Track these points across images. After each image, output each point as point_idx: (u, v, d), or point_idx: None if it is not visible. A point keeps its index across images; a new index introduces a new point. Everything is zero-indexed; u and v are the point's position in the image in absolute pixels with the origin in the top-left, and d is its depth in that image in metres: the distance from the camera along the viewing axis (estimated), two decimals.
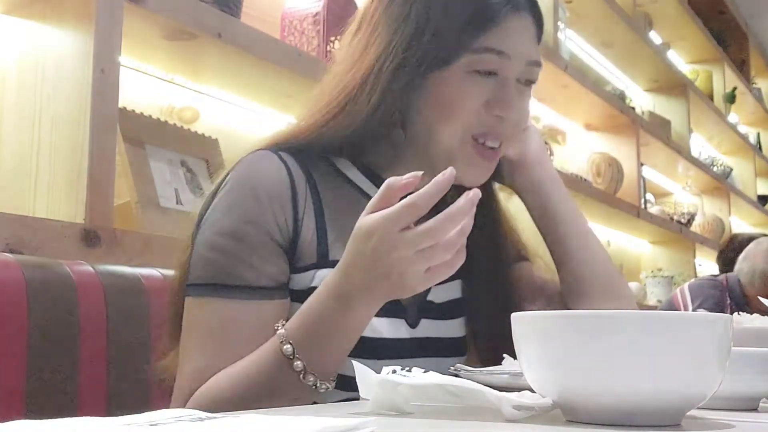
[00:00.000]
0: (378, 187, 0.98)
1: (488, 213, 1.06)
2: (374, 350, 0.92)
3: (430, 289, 1.00)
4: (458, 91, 0.93)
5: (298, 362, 0.82)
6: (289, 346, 0.83)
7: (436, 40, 0.92)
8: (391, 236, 0.77)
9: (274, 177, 0.93)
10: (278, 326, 0.85)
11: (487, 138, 0.95)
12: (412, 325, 0.98)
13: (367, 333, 0.90)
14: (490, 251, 1.06)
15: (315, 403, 0.85)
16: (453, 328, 1.03)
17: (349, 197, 0.98)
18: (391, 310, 0.90)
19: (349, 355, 0.88)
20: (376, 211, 0.80)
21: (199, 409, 0.71)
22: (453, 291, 1.04)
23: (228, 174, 0.95)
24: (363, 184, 1.00)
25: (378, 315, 0.87)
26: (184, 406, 0.84)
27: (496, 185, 1.10)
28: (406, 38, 0.92)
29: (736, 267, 3.09)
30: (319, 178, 0.97)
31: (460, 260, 0.80)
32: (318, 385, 0.83)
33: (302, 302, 0.89)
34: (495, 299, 1.04)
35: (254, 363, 0.85)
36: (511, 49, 0.93)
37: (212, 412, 0.66)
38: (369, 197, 0.98)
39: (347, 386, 0.87)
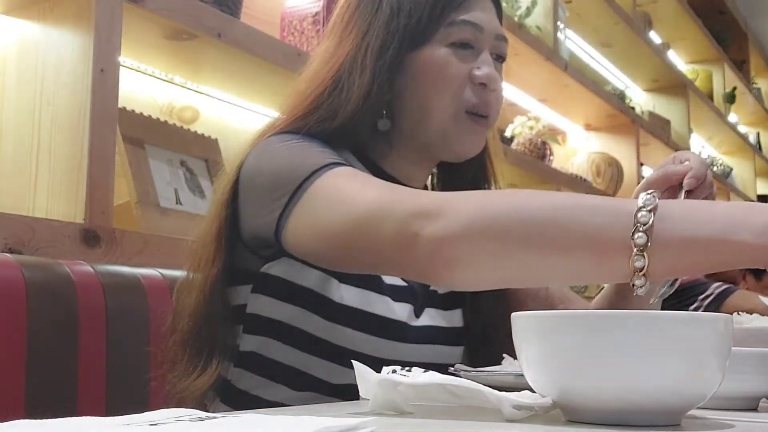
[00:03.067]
0: (378, 178, 1.00)
1: None
2: (388, 330, 0.93)
3: None
4: (442, 64, 0.97)
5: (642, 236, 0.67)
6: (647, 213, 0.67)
7: (411, 18, 0.96)
8: None
9: None
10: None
11: (478, 108, 0.99)
12: (417, 314, 0.99)
13: (386, 313, 0.92)
14: None
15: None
16: (453, 318, 1.04)
17: None
18: (405, 294, 0.94)
19: (362, 331, 0.91)
20: None
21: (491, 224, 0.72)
22: None
23: (246, 158, 0.94)
24: None
25: (395, 299, 0.91)
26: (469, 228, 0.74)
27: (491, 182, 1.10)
28: (383, 22, 0.97)
29: None
30: None
31: None
32: (638, 281, 0.68)
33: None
34: (495, 298, 1.04)
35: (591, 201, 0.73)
36: (482, 23, 0.99)
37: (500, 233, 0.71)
38: None
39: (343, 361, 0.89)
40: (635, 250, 0.67)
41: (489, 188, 1.09)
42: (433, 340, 0.99)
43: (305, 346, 0.92)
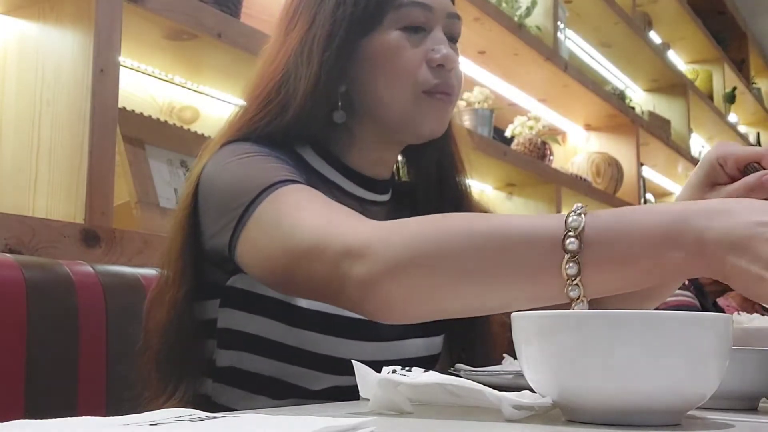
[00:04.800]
0: (341, 173, 1.00)
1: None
2: (359, 331, 0.93)
3: None
4: (395, 49, 0.94)
5: (573, 244, 0.66)
6: (574, 240, 0.66)
7: (357, 5, 0.94)
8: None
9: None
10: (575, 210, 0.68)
11: (439, 88, 0.96)
12: None
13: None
14: None
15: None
16: None
17: (315, 186, 0.98)
18: None
19: (332, 335, 0.90)
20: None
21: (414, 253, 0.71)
22: None
23: (205, 165, 0.92)
24: (327, 172, 0.99)
25: None
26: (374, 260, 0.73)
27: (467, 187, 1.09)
28: (329, 12, 0.94)
29: None
30: None
31: None
32: (572, 294, 0.67)
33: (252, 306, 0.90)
34: None
35: (511, 222, 0.71)
36: (431, 2, 0.96)
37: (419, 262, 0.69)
38: (334, 184, 0.99)
39: (341, 370, 0.88)
40: (567, 280, 0.66)
41: (456, 174, 1.07)
42: (409, 334, 0.98)
43: (280, 355, 0.91)
